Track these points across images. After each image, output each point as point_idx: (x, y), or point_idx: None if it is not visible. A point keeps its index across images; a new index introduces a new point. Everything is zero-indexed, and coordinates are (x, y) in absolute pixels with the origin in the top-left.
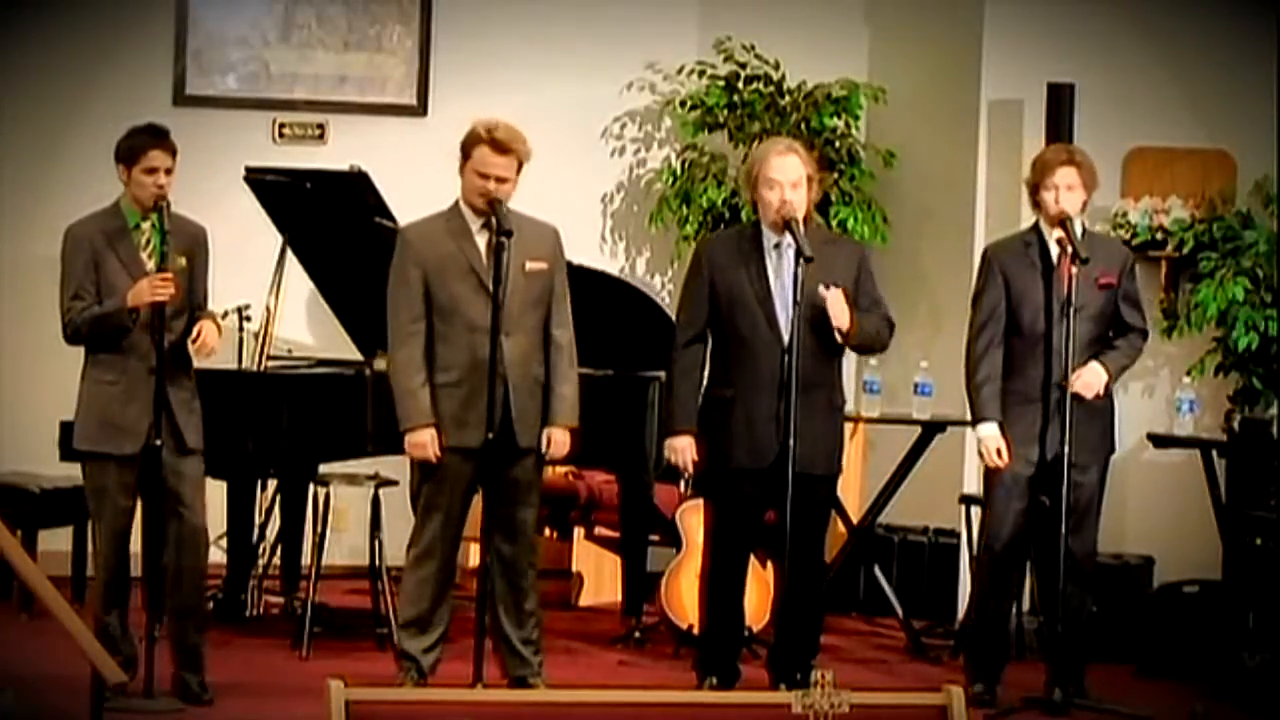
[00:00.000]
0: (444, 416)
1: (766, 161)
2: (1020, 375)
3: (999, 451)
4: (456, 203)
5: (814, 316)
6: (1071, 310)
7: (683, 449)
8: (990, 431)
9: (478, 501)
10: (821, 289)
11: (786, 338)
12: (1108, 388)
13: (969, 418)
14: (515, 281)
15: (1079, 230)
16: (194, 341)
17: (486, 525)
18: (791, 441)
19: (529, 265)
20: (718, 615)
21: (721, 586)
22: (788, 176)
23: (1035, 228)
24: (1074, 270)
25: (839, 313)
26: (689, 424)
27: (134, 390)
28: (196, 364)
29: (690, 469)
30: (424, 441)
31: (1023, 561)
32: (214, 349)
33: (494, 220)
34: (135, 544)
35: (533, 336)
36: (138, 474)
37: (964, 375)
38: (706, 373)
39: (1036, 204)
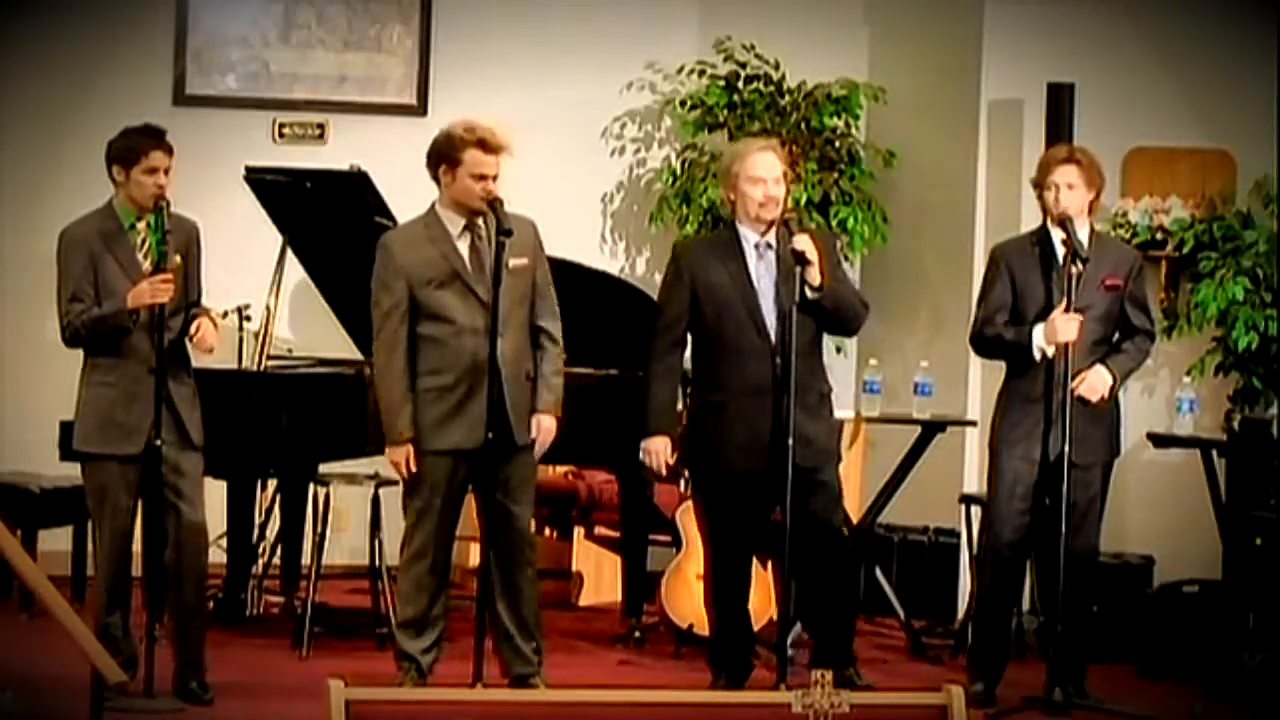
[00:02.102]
0: (433, 419)
1: (749, 158)
2: (1023, 375)
3: (1065, 322)
4: (433, 207)
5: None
6: (1073, 311)
7: (658, 450)
8: (1040, 328)
9: (474, 501)
10: (790, 239)
11: (774, 338)
12: (1113, 391)
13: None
14: (502, 280)
15: (1087, 231)
16: (192, 339)
17: (485, 525)
18: (790, 441)
19: (512, 262)
20: (725, 617)
21: (727, 589)
22: (770, 172)
23: (1043, 227)
24: (1074, 270)
25: (812, 254)
26: (667, 427)
27: (135, 390)
28: (196, 362)
29: (665, 470)
30: (399, 460)
31: (1024, 561)
32: (213, 345)
33: (494, 219)
34: (135, 544)
35: (521, 332)
36: (140, 473)
37: (983, 349)
38: (694, 378)
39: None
